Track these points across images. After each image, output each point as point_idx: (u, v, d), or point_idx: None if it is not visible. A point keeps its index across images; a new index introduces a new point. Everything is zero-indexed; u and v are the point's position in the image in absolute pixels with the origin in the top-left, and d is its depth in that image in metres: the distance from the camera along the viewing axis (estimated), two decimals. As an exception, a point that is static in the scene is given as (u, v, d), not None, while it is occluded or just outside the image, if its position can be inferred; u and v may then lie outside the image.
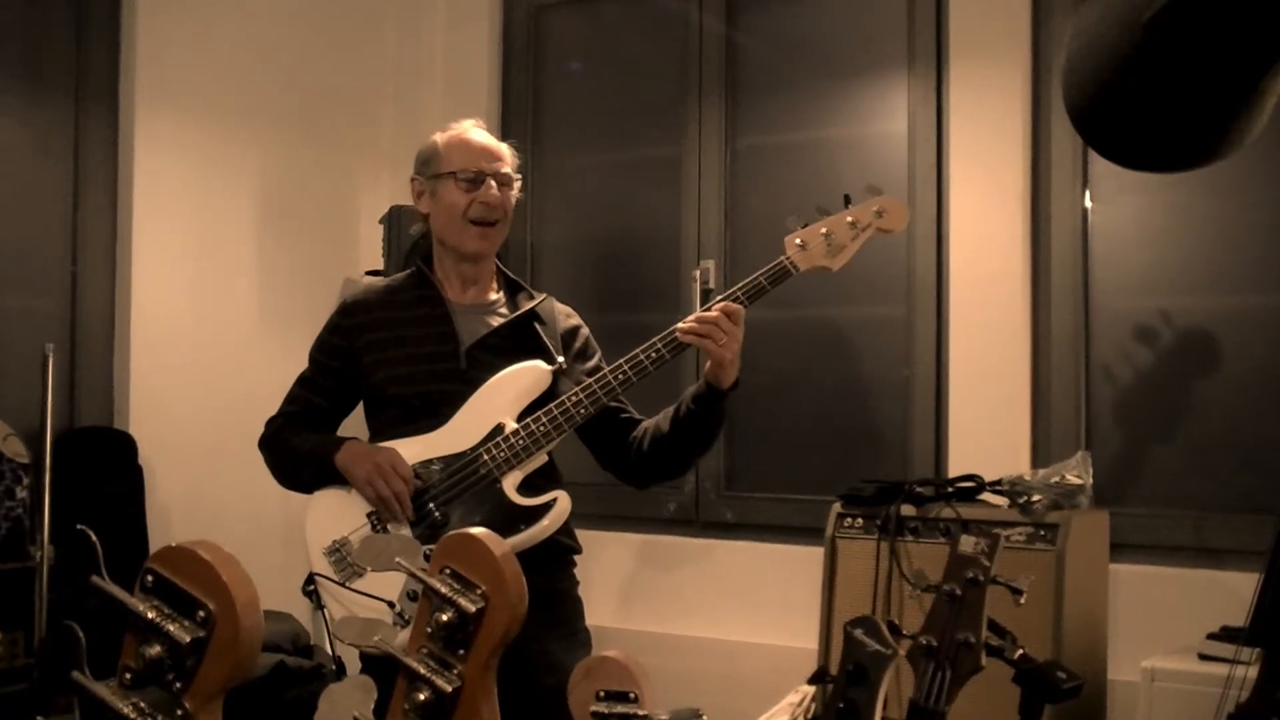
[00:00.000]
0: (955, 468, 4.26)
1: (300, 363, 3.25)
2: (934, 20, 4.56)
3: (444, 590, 1.65)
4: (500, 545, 1.67)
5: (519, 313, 3.19)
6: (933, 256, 4.52)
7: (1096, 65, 2.25)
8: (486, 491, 2.98)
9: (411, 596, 2.86)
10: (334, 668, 3.14)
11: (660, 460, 3.19)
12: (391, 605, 2.83)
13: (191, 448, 4.81)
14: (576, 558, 3.21)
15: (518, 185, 3.25)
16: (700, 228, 5.01)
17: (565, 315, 3.30)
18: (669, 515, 4.99)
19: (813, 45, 4.94)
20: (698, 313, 3.01)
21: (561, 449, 3.10)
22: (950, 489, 3.86)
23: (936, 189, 4.51)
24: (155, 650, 1.39)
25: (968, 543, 1.97)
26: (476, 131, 3.23)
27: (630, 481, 3.30)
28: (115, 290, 4.76)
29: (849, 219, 3.13)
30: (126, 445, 4.63)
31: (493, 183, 3.15)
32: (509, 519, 2.91)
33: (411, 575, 1.71)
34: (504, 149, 3.24)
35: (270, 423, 3.24)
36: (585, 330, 3.31)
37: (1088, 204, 4.33)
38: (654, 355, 3.01)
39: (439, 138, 3.23)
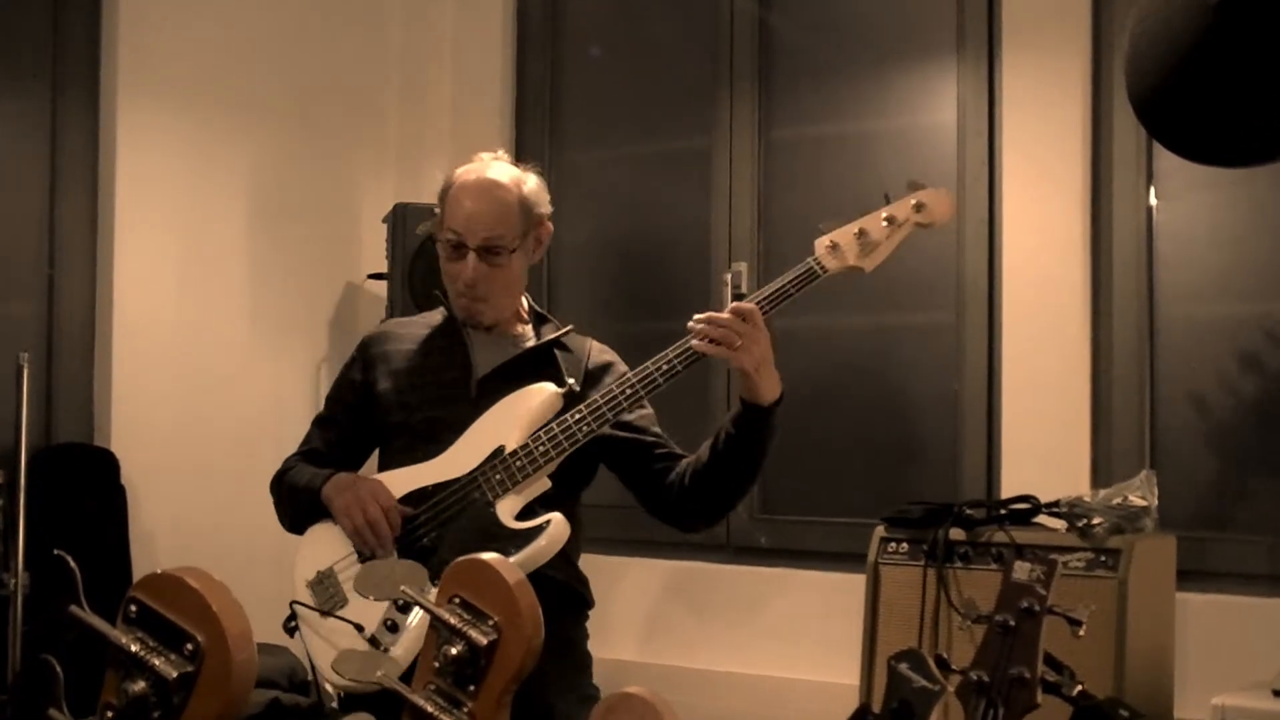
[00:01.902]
0: (1008, 488, 4.25)
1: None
2: (986, 2, 4.55)
3: (453, 621, 1.65)
4: (514, 573, 1.68)
5: (540, 342, 3.18)
6: (984, 259, 4.51)
7: (1162, 51, 2.25)
8: (479, 517, 2.94)
9: (391, 627, 2.85)
10: (335, 705, 3.14)
11: (702, 496, 3.08)
12: (360, 628, 2.83)
13: (178, 466, 4.82)
14: (590, 613, 3.19)
15: (535, 235, 3.18)
16: (731, 227, 5.01)
17: (599, 350, 3.26)
18: (697, 540, 4.96)
19: (854, 29, 4.94)
20: (705, 314, 2.92)
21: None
22: (1003, 511, 3.84)
23: (988, 186, 4.50)
24: (139, 686, 1.40)
25: (1022, 569, 1.97)
26: (481, 182, 3.13)
27: (673, 523, 3.23)
28: (96, 295, 4.77)
29: (885, 215, 3.09)
30: (107, 463, 4.64)
31: (471, 259, 3.09)
32: (498, 544, 2.79)
33: (420, 605, 1.71)
34: (505, 207, 3.12)
35: (284, 463, 3.25)
36: (622, 369, 3.20)
37: (1153, 202, 4.32)
38: (664, 367, 2.94)
39: (456, 176, 3.17)
